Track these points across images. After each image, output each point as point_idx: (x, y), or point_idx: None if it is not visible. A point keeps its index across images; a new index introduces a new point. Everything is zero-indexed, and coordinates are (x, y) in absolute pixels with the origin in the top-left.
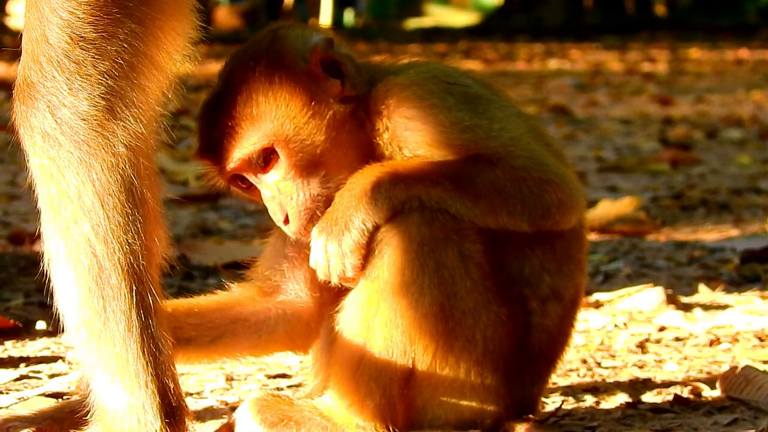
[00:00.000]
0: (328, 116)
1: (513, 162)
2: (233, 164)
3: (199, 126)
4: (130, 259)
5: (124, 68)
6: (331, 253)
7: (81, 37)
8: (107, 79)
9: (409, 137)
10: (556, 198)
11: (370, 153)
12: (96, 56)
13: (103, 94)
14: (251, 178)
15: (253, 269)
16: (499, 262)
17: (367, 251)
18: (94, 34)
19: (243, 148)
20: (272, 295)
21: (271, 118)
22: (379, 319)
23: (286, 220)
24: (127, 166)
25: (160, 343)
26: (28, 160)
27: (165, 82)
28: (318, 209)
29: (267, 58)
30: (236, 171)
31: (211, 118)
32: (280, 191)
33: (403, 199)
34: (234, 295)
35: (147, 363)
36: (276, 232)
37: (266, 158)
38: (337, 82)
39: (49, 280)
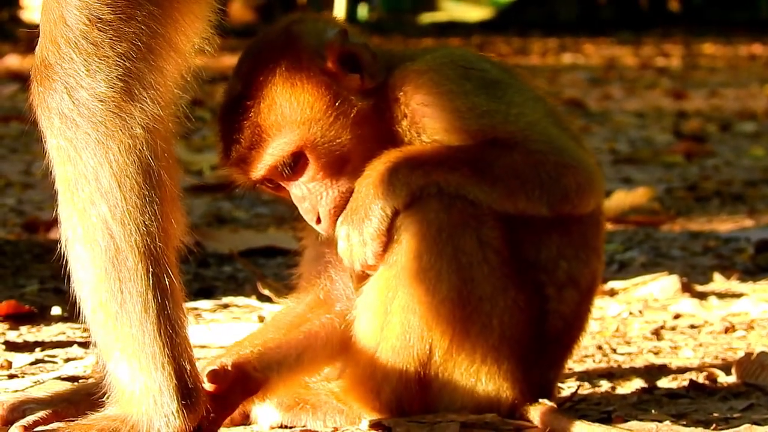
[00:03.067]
0: (352, 114)
1: (530, 146)
2: (261, 172)
3: (220, 134)
4: (146, 240)
5: (141, 50)
6: (353, 241)
7: (99, 18)
8: (125, 61)
9: (427, 123)
10: (574, 182)
11: (390, 140)
12: (114, 38)
13: (120, 75)
14: (279, 181)
15: (299, 276)
16: (516, 247)
17: (389, 238)
18: (112, 16)
19: (270, 156)
20: (329, 302)
21: (297, 124)
22: (397, 304)
23: (318, 220)
24: (144, 148)
25: (177, 324)
26: (45, 142)
27: (183, 65)
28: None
29: (284, 60)
30: (264, 177)
31: (233, 126)
32: (310, 191)
33: (422, 185)
34: (298, 310)
35: (164, 344)
36: (310, 233)
37: (294, 162)
38: (356, 76)
39: (65, 266)
